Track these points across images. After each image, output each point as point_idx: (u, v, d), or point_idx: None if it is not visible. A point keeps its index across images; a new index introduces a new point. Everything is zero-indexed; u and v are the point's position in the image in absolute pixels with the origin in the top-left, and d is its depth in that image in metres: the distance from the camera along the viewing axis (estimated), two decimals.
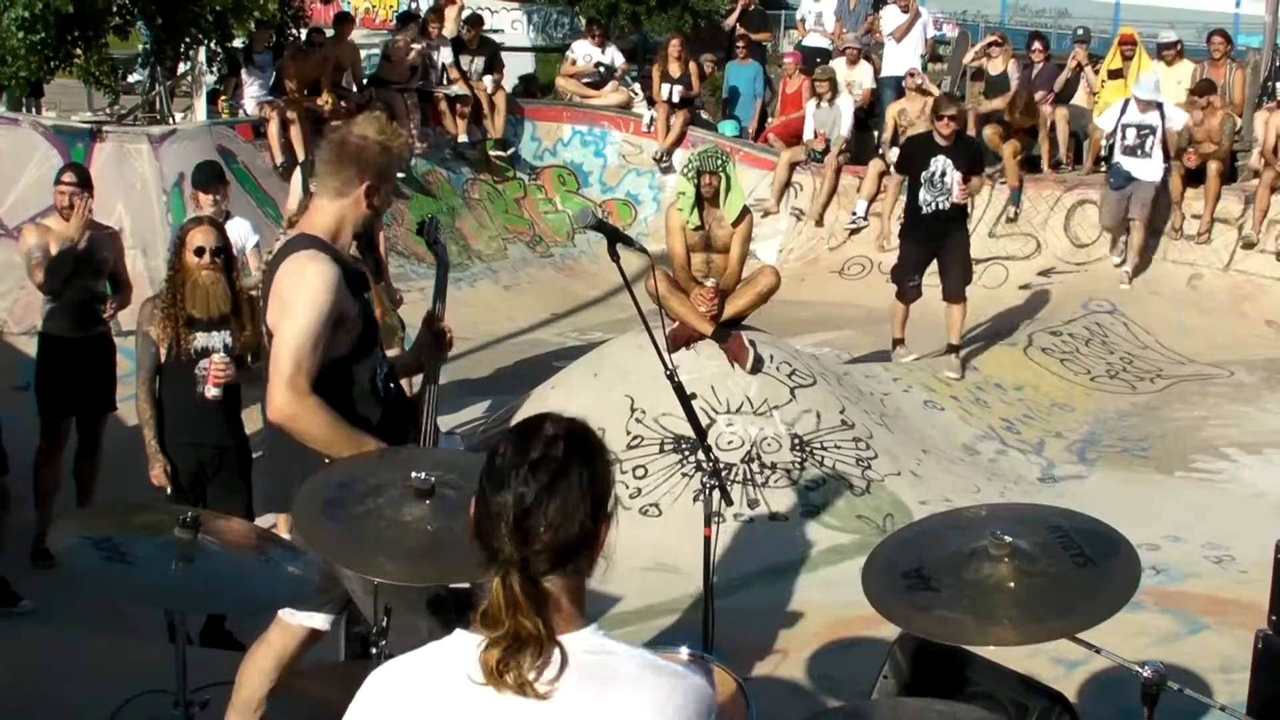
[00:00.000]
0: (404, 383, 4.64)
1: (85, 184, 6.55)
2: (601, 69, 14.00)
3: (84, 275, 6.40)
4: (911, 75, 12.25)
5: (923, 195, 8.89)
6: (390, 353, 4.59)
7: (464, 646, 1.83)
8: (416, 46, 12.49)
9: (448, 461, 3.22)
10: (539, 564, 1.82)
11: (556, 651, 1.79)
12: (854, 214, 12.22)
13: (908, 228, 9.24)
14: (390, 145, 3.56)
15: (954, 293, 8.96)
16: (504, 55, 13.94)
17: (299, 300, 3.38)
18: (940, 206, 8.81)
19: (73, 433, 6.54)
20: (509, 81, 13.96)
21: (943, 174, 8.76)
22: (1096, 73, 12.42)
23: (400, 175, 11.72)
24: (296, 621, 3.65)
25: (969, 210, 9.45)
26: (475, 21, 13.62)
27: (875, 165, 12.13)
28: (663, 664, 1.86)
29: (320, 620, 3.66)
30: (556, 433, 1.86)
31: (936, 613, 2.84)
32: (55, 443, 6.47)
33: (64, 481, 6.47)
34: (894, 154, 11.03)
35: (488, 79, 13.10)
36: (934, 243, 8.98)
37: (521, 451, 1.84)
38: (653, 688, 1.81)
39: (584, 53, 14.17)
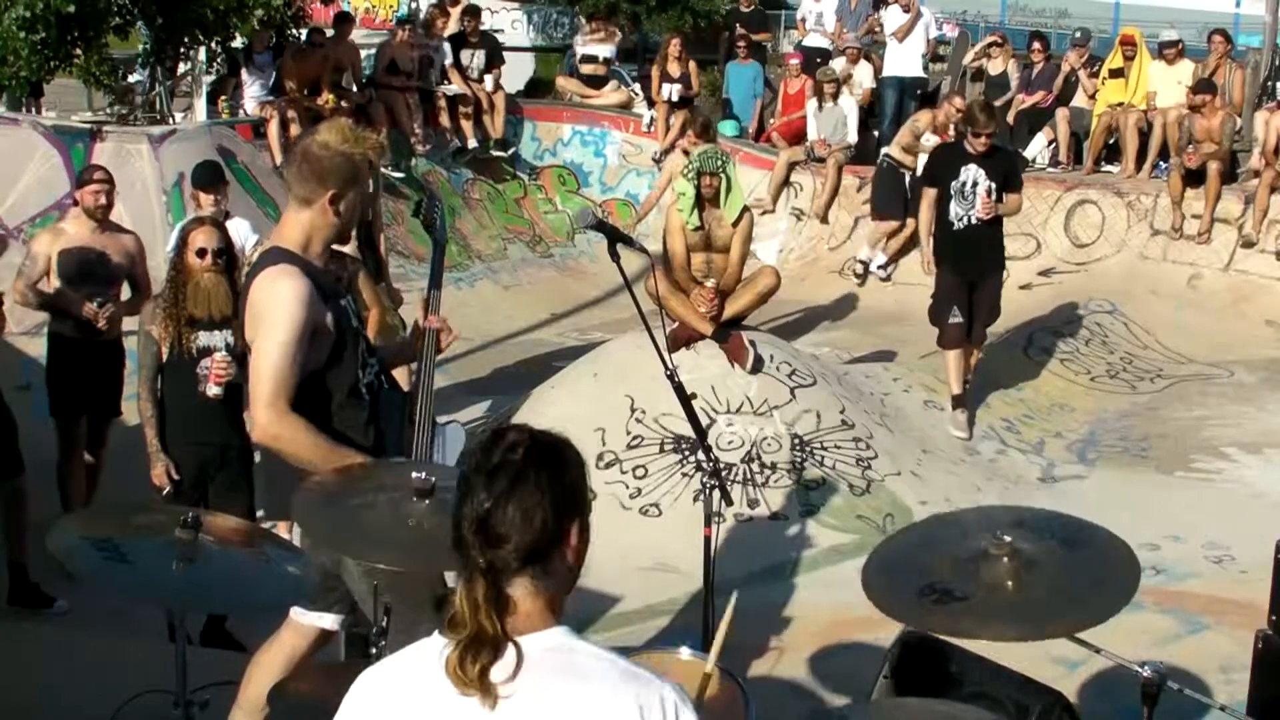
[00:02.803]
0: (402, 375, 4.63)
1: (113, 181, 6.54)
2: (604, 61, 14.00)
3: (96, 281, 6.36)
4: (949, 105, 11.33)
5: (953, 209, 8.09)
6: None
7: (436, 648, 1.88)
8: (414, 54, 12.49)
9: (445, 472, 3.22)
10: (505, 566, 1.85)
11: (514, 651, 1.83)
12: (880, 266, 11.63)
13: (941, 247, 8.30)
14: (352, 153, 3.50)
15: (979, 339, 8.41)
16: (504, 55, 13.92)
17: (273, 317, 3.37)
18: (972, 220, 8.03)
19: None
20: (509, 81, 13.95)
21: (974, 184, 8.00)
22: (1095, 75, 12.42)
23: (399, 175, 11.75)
24: (307, 621, 3.67)
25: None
26: (473, 12, 13.55)
27: (886, 225, 11.55)
28: (627, 667, 1.88)
29: (330, 620, 3.67)
30: (518, 440, 1.91)
31: (971, 621, 2.84)
32: (73, 443, 6.44)
33: (83, 481, 6.45)
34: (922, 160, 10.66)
35: (488, 78, 13.10)
36: (971, 267, 8.19)
37: (485, 459, 1.90)
38: (612, 688, 1.83)
39: (585, 43, 14.21)
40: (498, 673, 1.81)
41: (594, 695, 1.82)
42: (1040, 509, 3.31)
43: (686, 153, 9.02)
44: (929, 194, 8.40)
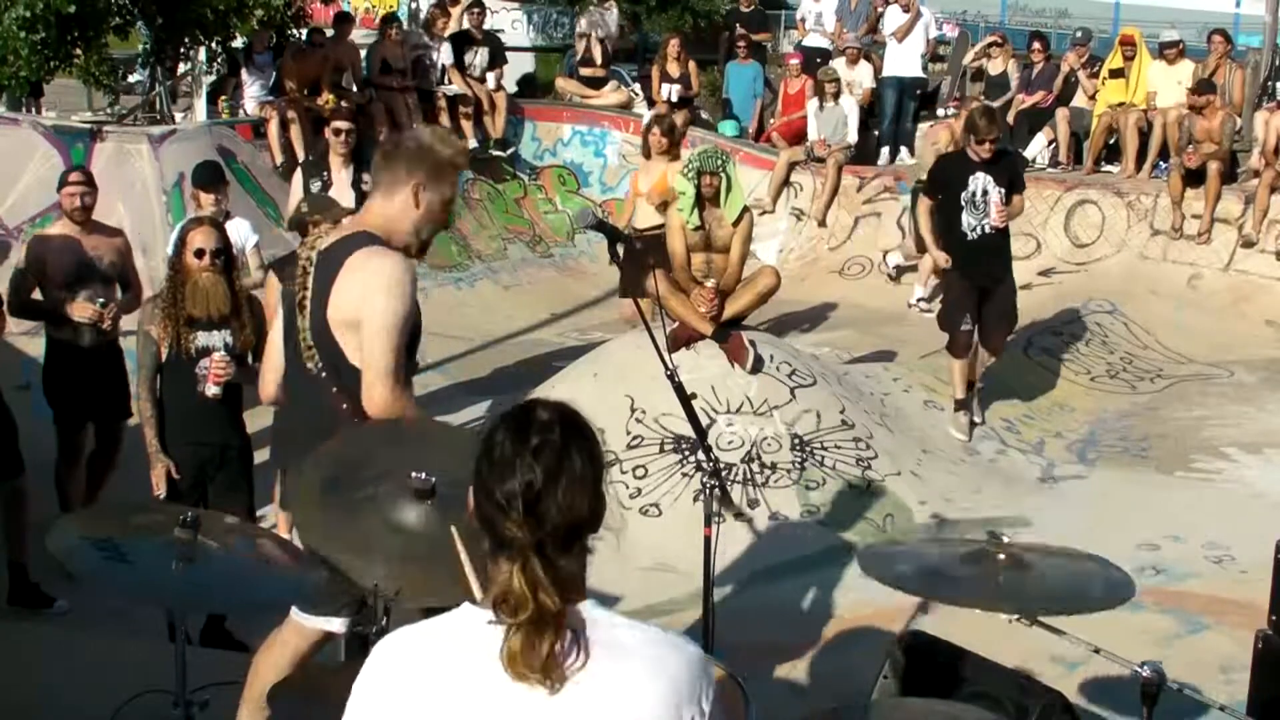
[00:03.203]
0: None
1: (92, 184, 6.51)
2: (603, 41, 14.01)
3: (92, 283, 6.33)
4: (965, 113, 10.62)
5: (966, 219, 7.89)
6: None
7: (474, 622, 1.86)
8: (404, 52, 12.50)
9: (454, 443, 3.19)
10: (552, 546, 1.85)
11: (569, 631, 1.82)
12: (919, 299, 11.05)
13: (953, 257, 8.13)
14: (441, 150, 3.52)
15: (999, 349, 8.30)
16: (506, 55, 13.93)
17: (387, 294, 3.34)
18: (986, 230, 7.84)
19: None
20: (507, 81, 13.96)
21: (984, 193, 7.83)
22: (1095, 75, 12.43)
23: None
24: (312, 625, 3.64)
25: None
26: (478, 5, 13.55)
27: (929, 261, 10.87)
28: (660, 634, 1.90)
29: (337, 624, 3.64)
30: (551, 417, 1.90)
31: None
32: (74, 452, 6.42)
33: (83, 486, 6.43)
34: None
35: (490, 76, 13.12)
36: (982, 274, 8.03)
37: (521, 440, 1.87)
38: (652, 658, 1.85)
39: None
40: (562, 656, 1.79)
41: (636, 668, 1.83)
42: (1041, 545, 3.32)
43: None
44: (926, 203, 8.28)
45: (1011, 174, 8.04)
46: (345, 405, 3.44)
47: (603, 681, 1.81)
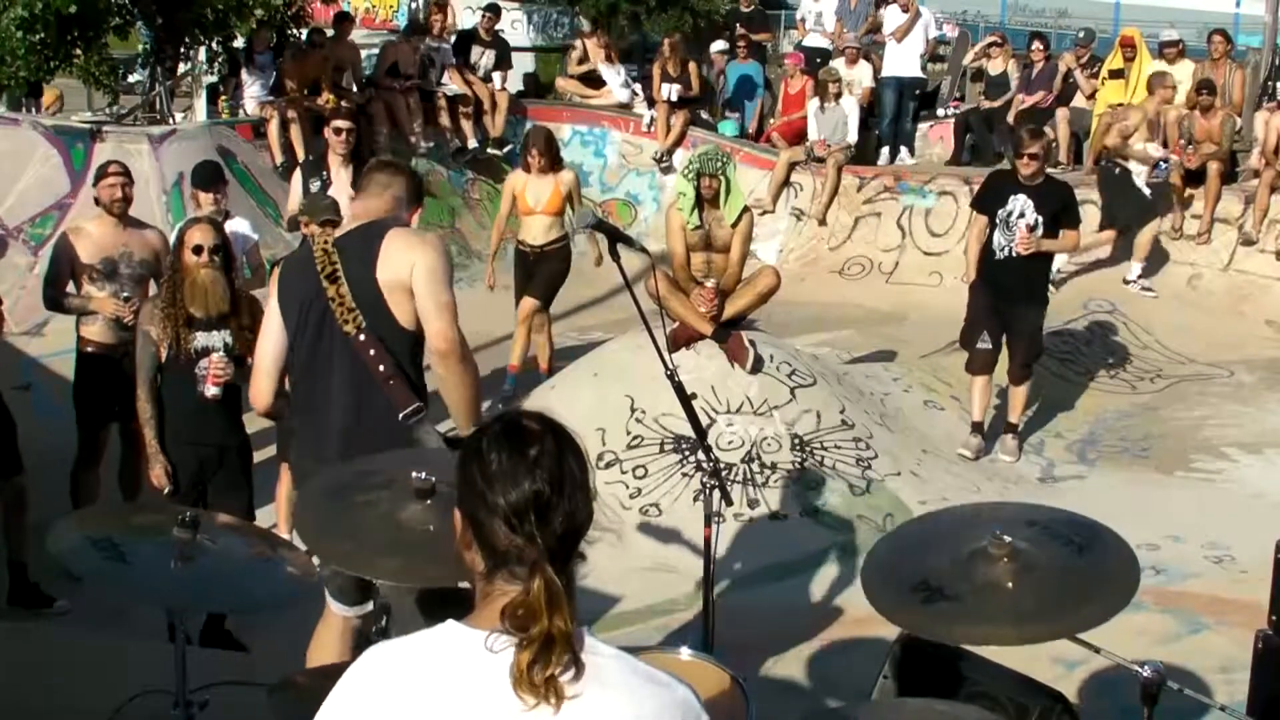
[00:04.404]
0: None
1: (130, 175, 6.43)
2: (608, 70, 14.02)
3: (123, 279, 6.26)
4: (1162, 91, 10.84)
5: (997, 238, 7.76)
6: None
7: (462, 638, 1.81)
8: (416, 55, 12.51)
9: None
10: (559, 557, 1.82)
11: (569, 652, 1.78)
12: (1136, 278, 10.87)
13: (979, 272, 7.98)
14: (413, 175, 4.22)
15: (1018, 376, 8.02)
16: (512, 59, 13.95)
17: (435, 249, 3.80)
18: (1011, 253, 7.71)
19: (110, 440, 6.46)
20: (512, 82, 13.97)
21: (1019, 215, 7.66)
22: (1095, 75, 12.43)
23: None
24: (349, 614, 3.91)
25: (1051, 274, 8.42)
26: (494, 10, 13.59)
27: (1146, 236, 10.89)
28: (647, 672, 1.85)
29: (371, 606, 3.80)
30: (542, 427, 1.89)
31: (963, 624, 2.84)
32: (95, 453, 6.36)
33: (98, 489, 6.39)
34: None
35: (496, 76, 13.12)
36: (1005, 298, 7.84)
37: (520, 451, 1.84)
38: (635, 697, 1.80)
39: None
40: (564, 674, 1.75)
41: (616, 701, 1.78)
42: (1049, 507, 3.30)
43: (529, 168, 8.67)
44: (978, 220, 8.05)
45: (1060, 206, 7.79)
46: (383, 367, 3.71)
47: (588, 710, 1.76)
